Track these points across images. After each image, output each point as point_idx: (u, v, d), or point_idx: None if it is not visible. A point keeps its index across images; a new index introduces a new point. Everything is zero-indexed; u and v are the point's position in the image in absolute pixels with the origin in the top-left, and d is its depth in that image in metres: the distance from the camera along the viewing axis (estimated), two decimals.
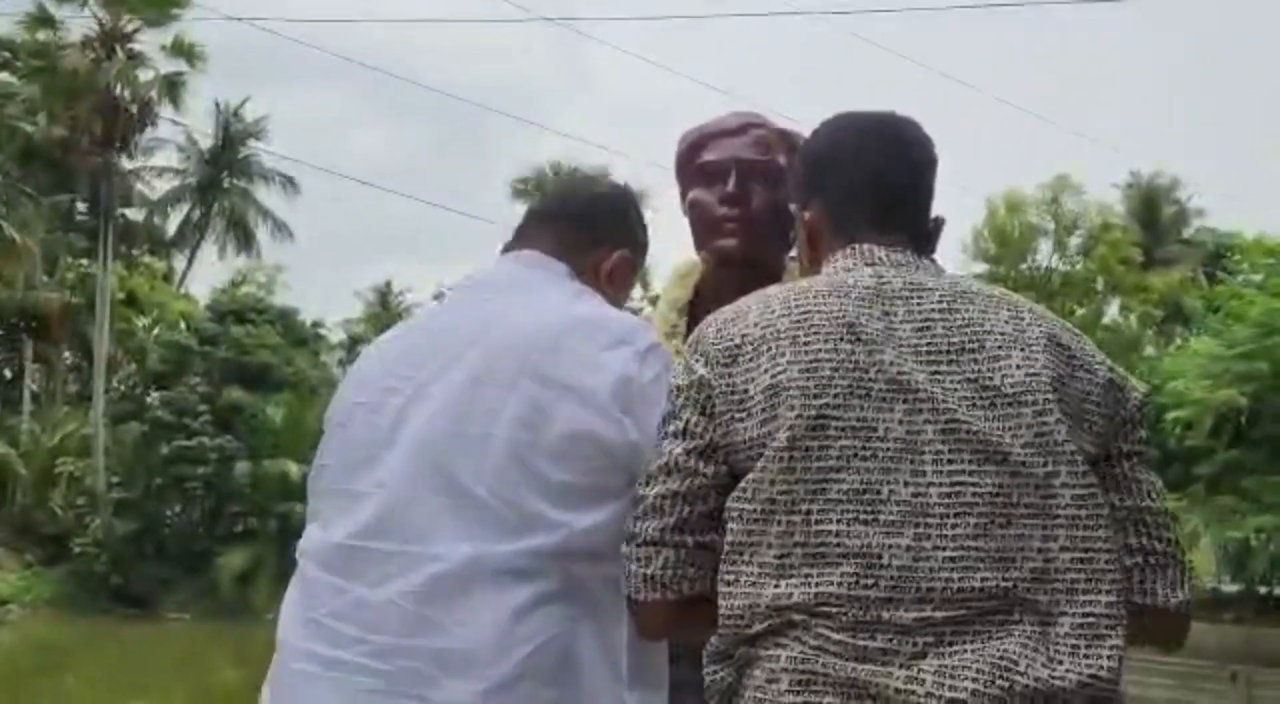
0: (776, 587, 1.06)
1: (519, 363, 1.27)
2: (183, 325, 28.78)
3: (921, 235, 1.30)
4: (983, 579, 1.03)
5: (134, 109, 26.56)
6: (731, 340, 1.17)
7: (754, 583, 1.08)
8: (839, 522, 1.06)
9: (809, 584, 1.05)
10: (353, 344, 30.64)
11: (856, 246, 1.25)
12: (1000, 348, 1.14)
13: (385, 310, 33.58)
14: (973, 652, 1.01)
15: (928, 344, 1.14)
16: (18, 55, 27.84)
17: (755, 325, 1.16)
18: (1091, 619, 1.05)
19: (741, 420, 1.13)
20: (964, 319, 1.16)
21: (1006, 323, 1.17)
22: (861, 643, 1.02)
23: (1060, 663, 1.03)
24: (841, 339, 1.11)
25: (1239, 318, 14.24)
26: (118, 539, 21.66)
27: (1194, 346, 15.71)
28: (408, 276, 69.33)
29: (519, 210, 1.51)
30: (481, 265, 1.53)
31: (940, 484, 1.06)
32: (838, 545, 1.05)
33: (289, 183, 31.95)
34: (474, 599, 1.20)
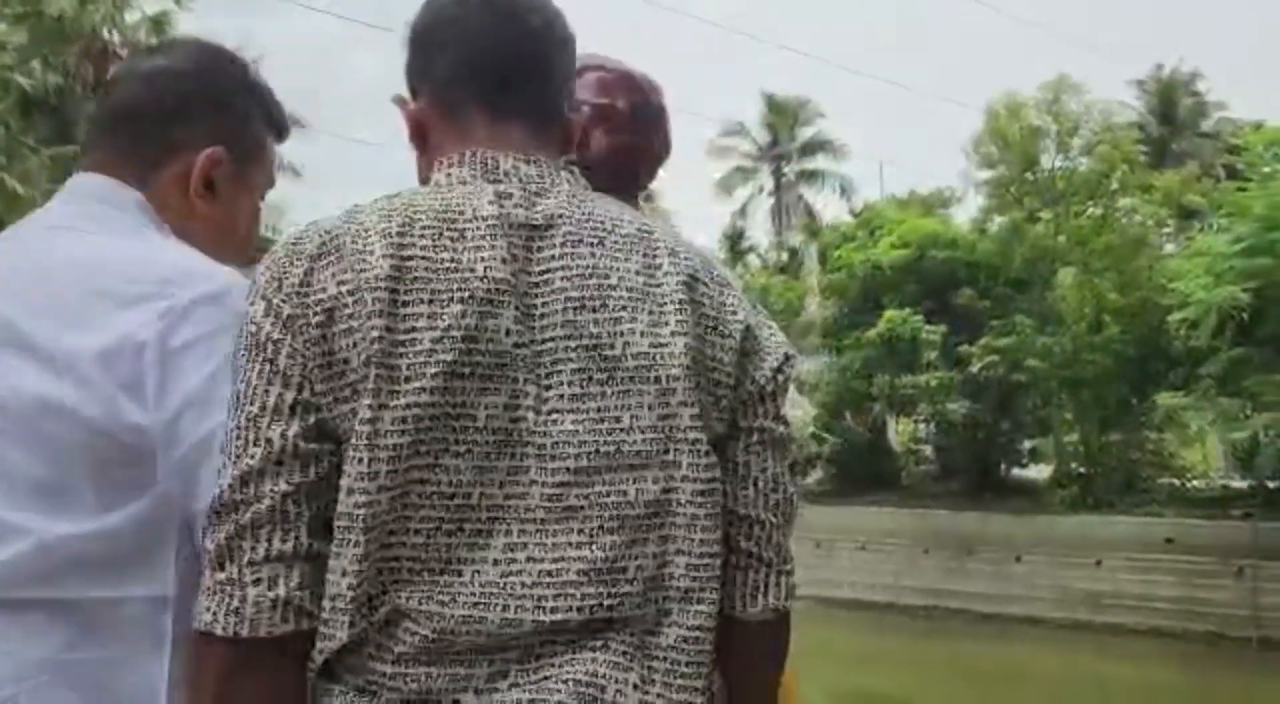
0: (350, 618, 0.88)
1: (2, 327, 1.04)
2: None
3: (551, 124, 1.08)
4: (584, 595, 0.90)
5: (124, 53, 26.33)
6: (324, 290, 0.92)
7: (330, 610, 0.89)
8: (418, 533, 0.89)
9: (374, 610, 0.88)
10: None
11: (476, 153, 1.03)
12: (625, 308, 0.96)
13: None
14: (556, 678, 0.89)
15: (542, 303, 0.95)
16: (6, 2, 27.55)
17: (351, 271, 0.92)
18: (694, 633, 0.93)
19: (344, 402, 0.90)
20: (587, 267, 0.97)
21: (638, 274, 0.98)
22: (425, 671, 0.88)
23: (653, 683, 0.91)
24: (452, 299, 0.91)
25: (1242, 213, 13.93)
26: None
27: (1197, 245, 15.42)
28: None
29: None
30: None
31: (544, 483, 0.91)
32: (412, 561, 0.89)
33: (294, 121, 31.70)
34: None
